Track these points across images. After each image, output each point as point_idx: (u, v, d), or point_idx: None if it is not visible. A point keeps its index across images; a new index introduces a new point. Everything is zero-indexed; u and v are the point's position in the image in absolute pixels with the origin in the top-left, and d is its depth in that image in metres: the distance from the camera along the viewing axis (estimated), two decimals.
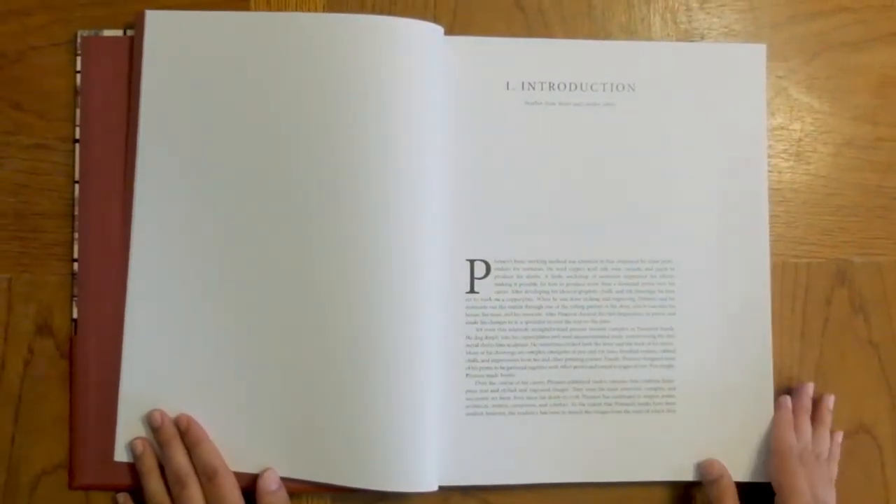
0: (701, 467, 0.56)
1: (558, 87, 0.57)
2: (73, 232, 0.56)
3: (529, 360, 0.56)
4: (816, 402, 0.58)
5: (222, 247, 0.55)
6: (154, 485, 0.53)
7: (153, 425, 0.54)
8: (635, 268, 0.57)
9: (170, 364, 0.55)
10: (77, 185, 0.56)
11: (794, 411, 0.57)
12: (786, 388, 0.58)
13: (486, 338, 0.56)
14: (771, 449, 0.56)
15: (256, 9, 0.57)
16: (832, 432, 0.58)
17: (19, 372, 0.56)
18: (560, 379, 0.56)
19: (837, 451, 0.58)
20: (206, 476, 0.53)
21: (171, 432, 0.54)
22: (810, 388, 0.58)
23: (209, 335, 0.55)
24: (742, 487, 0.56)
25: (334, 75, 0.54)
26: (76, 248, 0.56)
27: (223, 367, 0.55)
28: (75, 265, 0.56)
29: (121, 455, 0.55)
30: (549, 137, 0.57)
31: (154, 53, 0.55)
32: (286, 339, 0.54)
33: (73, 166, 0.56)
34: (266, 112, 0.54)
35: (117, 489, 0.55)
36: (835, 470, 0.57)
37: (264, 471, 0.54)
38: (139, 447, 0.54)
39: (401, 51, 0.54)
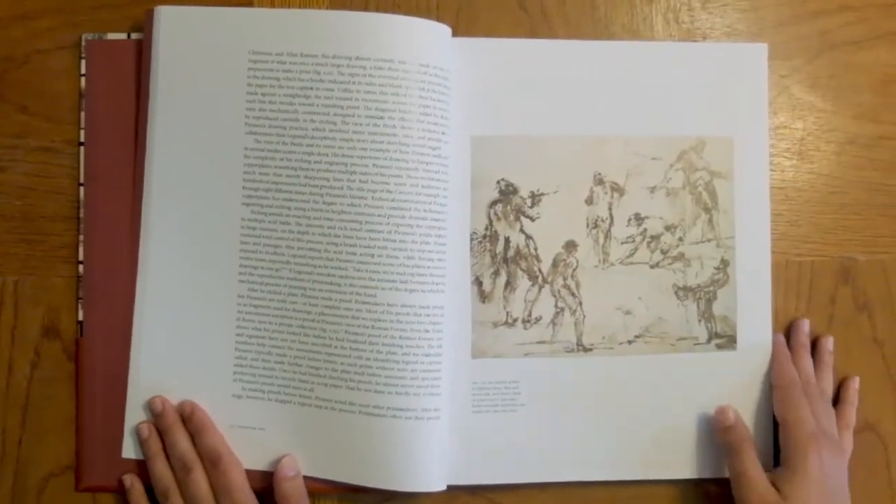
0: (715, 414, 0.56)
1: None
2: (78, 234, 0.56)
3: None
4: (815, 345, 0.59)
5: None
6: (160, 468, 0.54)
7: (154, 411, 0.54)
8: None
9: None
10: (82, 188, 0.56)
11: (793, 347, 0.58)
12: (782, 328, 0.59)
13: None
14: (773, 384, 0.57)
15: (260, 6, 0.57)
16: (848, 378, 0.58)
17: (26, 374, 0.56)
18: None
19: (854, 396, 0.58)
20: (211, 462, 0.53)
21: (172, 418, 0.54)
22: (806, 325, 0.58)
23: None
24: None
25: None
26: (82, 250, 0.56)
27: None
28: (81, 268, 0.56)
29: (128, 452, 0.55)
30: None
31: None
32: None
33: (79, 169, 0.56)
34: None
35: (124, 491, 0.55)
36: (852, 416, 0.58)
37: (283, 457, 0.54)
38: (145, 431, 0.54)
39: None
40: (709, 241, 0.58)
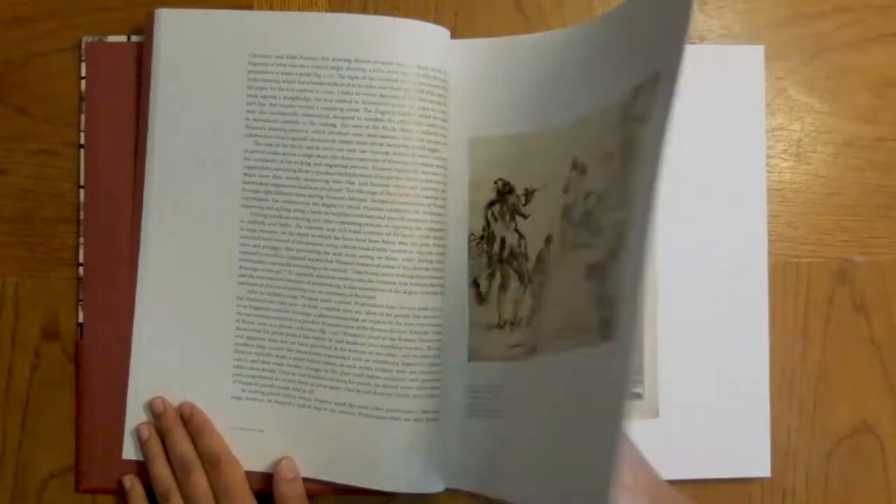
0: None
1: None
2: (78, 237, 0.56)
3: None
4: None
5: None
6: (160, 469, 0.54)
7: (155, 412, 0.55)
8: None
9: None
10: (82, 191, 0.56)
11: None
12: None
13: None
14: None
15: (259, 9, 0.57)
16: None
17: (26, 376, 0.56)
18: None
19: None
20: (210, 463, 0.53)
21: (172, 419, 0.54)
22: None
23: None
24: (736, 484, 0.56)
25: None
26: (82, 252, 0.56)
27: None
28: (81, 269, 0.56)
29: (128, 453, 0.55)
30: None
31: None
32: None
33: (79, 171, 0.56)
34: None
35: (124, 492, 0.55)
36: None
37: (281, 459, 0.54)
38: (145, 432, 0.55)
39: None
40: None
